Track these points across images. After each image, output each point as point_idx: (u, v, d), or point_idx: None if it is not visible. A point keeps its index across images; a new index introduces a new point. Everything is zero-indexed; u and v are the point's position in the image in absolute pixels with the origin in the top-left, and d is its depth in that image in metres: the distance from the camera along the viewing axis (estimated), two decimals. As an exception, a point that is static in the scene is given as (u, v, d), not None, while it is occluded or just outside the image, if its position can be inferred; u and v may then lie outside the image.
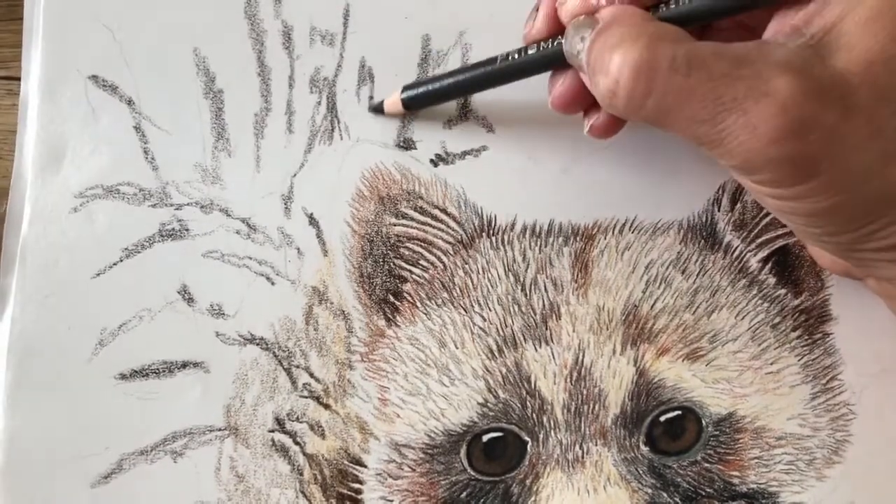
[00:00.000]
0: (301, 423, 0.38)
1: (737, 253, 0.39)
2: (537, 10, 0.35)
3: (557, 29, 0.34)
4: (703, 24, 0.34)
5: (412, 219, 0.39)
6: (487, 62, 0.37)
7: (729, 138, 0.29)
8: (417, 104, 0.40)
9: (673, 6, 0.32)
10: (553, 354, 0.38)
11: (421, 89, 0.39)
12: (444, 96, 0.39)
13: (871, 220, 0.30)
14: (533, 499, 0.37)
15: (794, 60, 0.29)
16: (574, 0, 0.33)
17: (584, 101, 0.35)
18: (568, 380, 0.38)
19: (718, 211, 0.40)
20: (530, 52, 0.35)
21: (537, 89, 0.40)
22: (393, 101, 0.40)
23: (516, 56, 0.36)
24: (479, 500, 0.37)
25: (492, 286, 0.39)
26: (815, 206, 0.30)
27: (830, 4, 0.29)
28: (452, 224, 0.39)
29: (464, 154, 0.40)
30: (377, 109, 0.41)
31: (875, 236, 0.31)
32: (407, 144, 0.40)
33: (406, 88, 0.39)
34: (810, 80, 0.28)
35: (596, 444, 0.37)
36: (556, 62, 0.35)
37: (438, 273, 0.39)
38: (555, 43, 0.34)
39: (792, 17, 0.30)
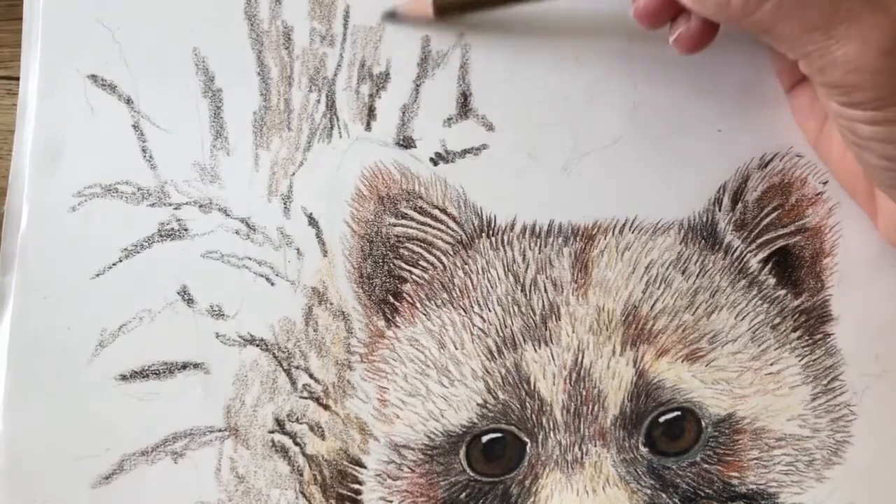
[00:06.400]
0: (301, 423, 0.38)
1: (737, 253, 0.39)
2: None
3: None
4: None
5: (412, 219, 0.39)
6: None
7: (837, 46, 0.29)
8: (454, 7, 0.38)
9: None
10: (552, 355, 0.38)
11: None
12: None
13: None
14: (532, 499, 0.37)
15: None
16: None
17: (669, 12, 0.34)
18: (567, 381, 0.38)
19: (719, 211, 0.39)
20: None
21: (539, 88, 0.40)
22: (419, 3, 0.39)
23: None
24: (479, 500, 0.37)
25: (491, 287, 0.39)
26: None
27: None
28: (452, 224, 0.39)
29: (464, 153, 0.40)
30: (391, 15, 0.40)
31: None
32: (406, 143, 0.40)
33: None
34: None
35: (595, 445, 0.37)
36: None
37: (438, 273, 0.39)
38: None
39: None
